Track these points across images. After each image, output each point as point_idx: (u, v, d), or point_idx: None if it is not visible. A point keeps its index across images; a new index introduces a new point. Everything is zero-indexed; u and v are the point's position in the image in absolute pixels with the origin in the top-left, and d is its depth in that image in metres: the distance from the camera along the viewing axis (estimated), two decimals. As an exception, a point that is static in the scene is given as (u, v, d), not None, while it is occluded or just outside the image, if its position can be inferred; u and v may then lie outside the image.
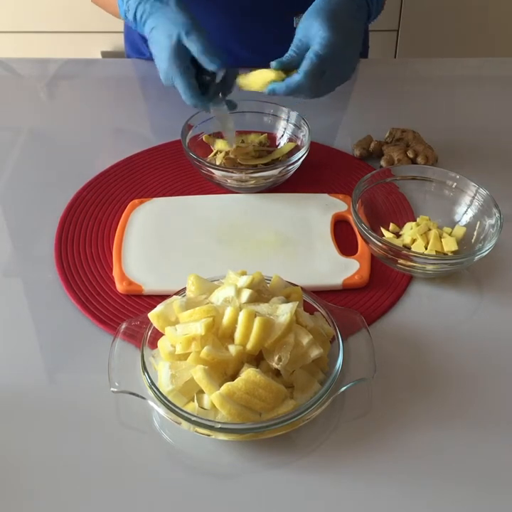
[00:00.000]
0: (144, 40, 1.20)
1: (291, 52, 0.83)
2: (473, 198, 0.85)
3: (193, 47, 0.83)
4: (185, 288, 0.71)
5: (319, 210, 0.87)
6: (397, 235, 0.85)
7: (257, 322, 0.63)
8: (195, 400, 0.64)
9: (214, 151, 0.97)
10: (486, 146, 1.03)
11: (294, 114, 0.97)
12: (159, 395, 0.63)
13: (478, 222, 0.83)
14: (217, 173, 0.89)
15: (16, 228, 0.90)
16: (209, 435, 0.62)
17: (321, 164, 0.97)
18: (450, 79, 1.18)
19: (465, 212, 0.85)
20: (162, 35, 0.83)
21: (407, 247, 0.82)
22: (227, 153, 0.94)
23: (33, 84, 1.16)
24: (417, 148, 0.96)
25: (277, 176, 0.90)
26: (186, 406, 0.64)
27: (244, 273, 0.71)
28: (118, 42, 1.30)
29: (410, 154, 0.95)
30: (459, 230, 0.84)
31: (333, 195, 0.90)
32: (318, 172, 0.96)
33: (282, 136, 0.99)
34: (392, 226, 0.86)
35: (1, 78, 1.22)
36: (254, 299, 0.67)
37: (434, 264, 0.78)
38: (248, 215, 0.86)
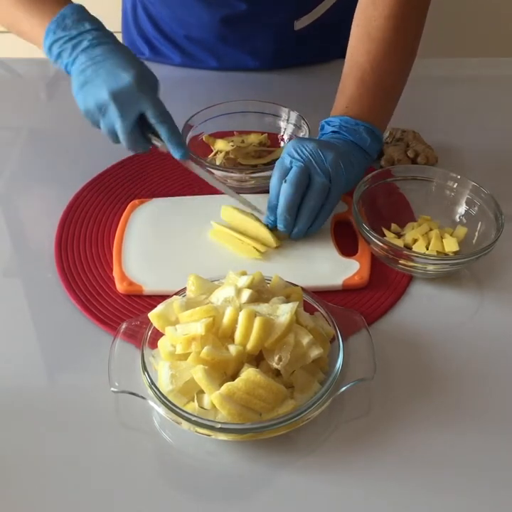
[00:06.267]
0: (144, 40, 1.20)
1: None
2: (474, 198, 0.85)
3: (161, 129, 0.81)
4: (185, 288, 0.71)
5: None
6: (399, 235, 0.85)
7: (257, 322, 0.63)
8: (195, 400, 0.64)
9: (214, 151, 0.97)
10: (486, 146, 1.03)
11: (294, 114, 0.97)
12: (159, 394, 0.63)
13: (479, 223, 0.83)
14: (217, 173, 0.89)
15: (15, 228, 0.90)
16: (209, 435, 0.62)
17: (321, 164, 0.97)
18: (450, 79, 1.18)
19: (466, 213, 0.85)
20: (108, 87, 0.78)
21: (408, 247, 0.82)
22: (227, 153, 0.94)
23: (33, 84, 1.16)
24: (417, 148, 0.96)
25: (277, 176, 0.90)
26: (186, 406, 0.64)
27: (244, 273, 0.71)
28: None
29: (410, 154, 0.95)
30: (461, 231, 0.84)
31: (333, 195, 0.90)
32: (318, 172, 0.96)
33: (282, 136, 0.99)
34: (393, 226, 0.86)
35: (1, 78, 1.22)
36: (254, 299, 0.67)
37: (435, 264, 0.78)
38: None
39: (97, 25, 0.83)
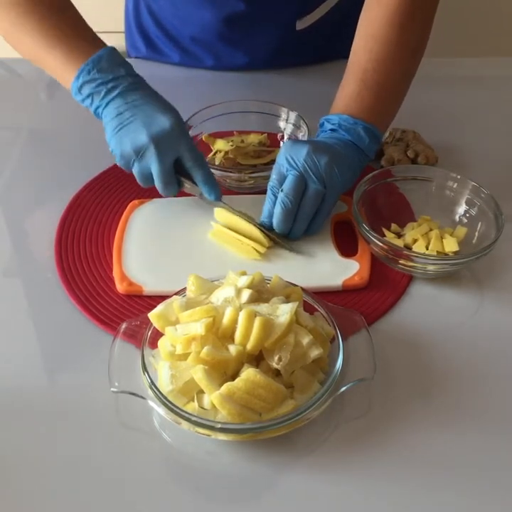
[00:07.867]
0: (144, 37, 1.20)
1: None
2: (474, 198, 0.85)
3: (197, 173, 0.82)
4: (185, 288, 0.71)
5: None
6: (399, 235, 0.85)
7: (257, 322, 0.63)
8: (195, 400, 0.64)
9: (213, 151, 0.97)
10: (486, 146, 1.03)
11: (293, 114, 0.97)
12: (159, 395, 0.63)
13: (479, 223, 0.83)
14: (217, 173, 0.89)
15: (15, 228, 0.90)
16: (209, 435, 0.62)
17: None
18: (450, 79, 1.18)
19: (466, 213, 0.85)
20: (147, 133, 0.79)
21: (408, 247, 0.82)
22: (226, 153, 0.94)
23: (33, 84, 1.16)
24: (417, 148, 0.96)
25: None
26: (186, 406, 0.64)
27: (244, 273, 0.71)
28: (119, 42, 1.30)
29: (410, 154, 0.95)
30: (461, 231, 0.84)
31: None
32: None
33: (282, 136, 0.99)
34: (393, 226, 0.86)
35: (1, 78, 1.22)
36: (254, 299, 0.67)
37: (435, 264, 0.78)
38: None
39: (131, 70, 0.83)
